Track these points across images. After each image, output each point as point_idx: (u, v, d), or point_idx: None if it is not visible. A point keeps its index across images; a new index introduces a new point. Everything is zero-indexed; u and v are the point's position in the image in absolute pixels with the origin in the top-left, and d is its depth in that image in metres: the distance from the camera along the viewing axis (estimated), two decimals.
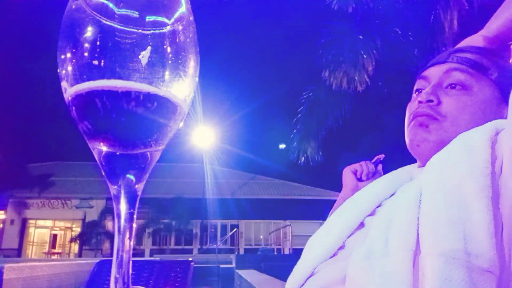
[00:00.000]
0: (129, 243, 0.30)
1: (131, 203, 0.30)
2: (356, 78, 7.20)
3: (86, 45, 0.28)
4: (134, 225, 0.31)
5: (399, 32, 7.20)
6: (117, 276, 0.29)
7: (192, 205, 20.38)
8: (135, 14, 0.28)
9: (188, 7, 0.31)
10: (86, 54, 0.28)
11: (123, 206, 0.30)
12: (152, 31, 0.29)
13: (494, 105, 0.65)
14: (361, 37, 7.20)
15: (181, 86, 0.30)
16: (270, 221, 22.94)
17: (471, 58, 0.68)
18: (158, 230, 20.93)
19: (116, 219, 0.30)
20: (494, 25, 0.70)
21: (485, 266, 0.41)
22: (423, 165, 0.67)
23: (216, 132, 22.39)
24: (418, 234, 0.47)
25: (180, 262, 1.45)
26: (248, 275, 6.52)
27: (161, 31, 0.29)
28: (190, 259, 1.48)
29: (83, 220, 22.24)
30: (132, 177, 0.30)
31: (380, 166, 1.02)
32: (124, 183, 0.30)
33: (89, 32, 0.28)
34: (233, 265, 11.72)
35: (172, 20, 0.30)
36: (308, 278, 0.59)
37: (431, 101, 0.67)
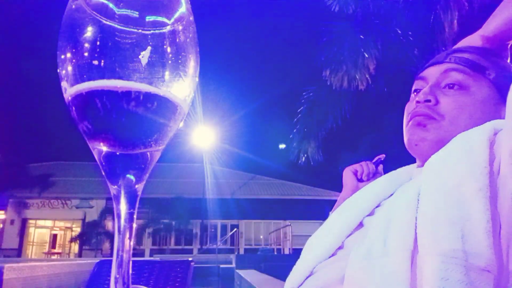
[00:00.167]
0: (129, 243, 0.30)
1: (131, 203, 0.31)
2: (357, 77, 7.21)
3: (86, 45, 0.28)
4: (134, 225, 0.31)
5: (399, 32, 7.20)
6: (117, 276, 0.29)
7: (192, 205, 20.38)
8: (135, 14, 0.28)
9: (188, 7, 0.31)
10: (86, 54, 0.28)
11: (123, 206, 0.30)
12: (152, 31, 0.29)
13: (492, 105, 0.66)
14: (362, 37, 7.21)
15: (181, 86, 0.30)
16: (270, 221, 22.94)
17: (469, 58, 0.69)
18: (158, 230, 20.93)
19: (116, 219, 0.30)
20: (492, 24, 0.70)
21: (483, 265, 0.41)
22: (422, 164, 0.68)
23: (216, 132, 22.41)
24: (416, 233, 0.47)
25: (180, 262, 1.45)
26: (248, 275, 6.52)
27: (161, 31, 0.29)
28: (190, 259, 1.48)
29: (83, 220, 22.24)
30: (132, 177, 0.30)
31: (380, 167, 1.02)
32: (124, 183, 0.30)
33: (89, 32, 0.28)
34: (233, 265, 11.72)
35: (172, 20, 0.30)
36: (307, 277, 0.59)
37: (429, 101, 0.67)
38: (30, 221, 22.84)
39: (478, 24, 0.75)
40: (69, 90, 0.29)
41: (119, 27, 0.28)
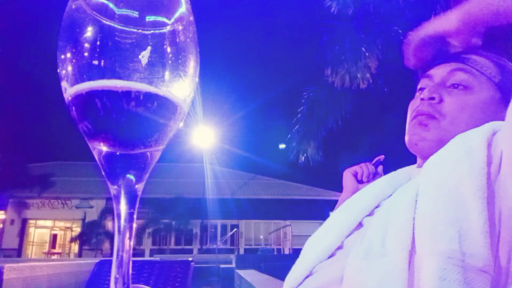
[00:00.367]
0: (129, 243, 0.30)
1: (131, 203, 0.31)
2: (358, 76, 7.21)
3: (86, 45, 0.28)
4: (134, 225, 0.31)
5: (400, 31, 7.20)
6: (117, 276, 0.29)
7: (192, 205, 20.38)
8: (135, 14, 0.28)
9: (188, 7, 0.31)
10: (86, 54, 0.28)
11: (123, 206, 0.30)
12: (152, 31, 0.29)
13: (494, 107, 0.66)
14: (362, 36, 7.21)
15: (181, 86, 0.30)
16: (270, 221, 22.94)
17: (476, 59, 0.69)
18: (158, 230, 20.92)
19: (116, 219, 0.30)
20: (472, 8, 0.67)
21: (480, 265, 0.41)
22: (422, 164, 0.68)
23: (216, 132, 22.41)
24: (413, 234, 0.47)
25: (180, 262, 1.45)
26: (248, 275, 6.52)
27: (161, 31, 0.29)
28: (190, 259, 1.48)
29: (83, 220, 22.23)
30: (132, 177, 0.30)
31: (380, 168, 1.02)
32: (124, 183, 0.30)
33: (89, 32, 0.28)
34: (233, 265, 11.72)
35: (172, 20, 0.30)
36: (306, 277, 0.59)
37: (433, 98, 0.67)
38: (30, 221, 22.84)
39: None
40: (69, 90, 0.29)
41: (119, 27, 0.28)
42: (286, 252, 16.16)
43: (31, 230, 23.14)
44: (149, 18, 0.29)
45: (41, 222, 23.45)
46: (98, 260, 1.45)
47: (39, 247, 23.22)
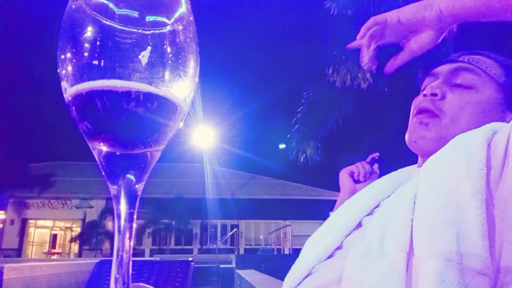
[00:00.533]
0: (129, 243, 0.30)
1: (131, 203, 0.31)
2: (359, 76, 7.22)
3: (86, 45, 0.28)
4: (134, 225, 0.31)
5: None
6: (117, 276, 0.29)
7: (192, 205, 20.38)
8: (135, 14, 0.28)
9: (188, 7, 0.31)
10: (86, 54, 0.28)
11: (123, 206, 0.30)
12: (152, 31, 0.29)
13: (497, 108, 0.66)
14: None
15: (181, 86, 0.30)
16: (270, 221, 22.94)
17: (481, 59, 0.69)
18: (158, 230, 20.92)
19: (116, 219, 0.30)
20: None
21: (478, 268, 0.41)
22: (423, 162, 0.68)
23: (216, 132, 22.42)
24: (412, 235, 0.47)
25: (180, 262, 1.45)
26: (248, 275, 6.52)
27: (161, 31, 0.29)
28: (190, 259, 1.48)
29: (83, 220, 22.24)
30: (132, 177, 0.30)
31: (376, 166, 1.01)
32: (124, 183, 0.30)
33: (89, 32, 0.28)
34: (233, 265, 11.72)
35: (172, 20, 0.30)
36: (306, 277, 0.59)
37: (435, 95, 0.68)
38: (30, 221, 22.84)
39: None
40: (69, 90, 0.29)
41: (119, 27, 0.28)
42: (286, 252, 16.16)
43: (31, 230, 23.14)
44: (149, 18, 0.29)
45: (41, 222, 23.45)
46: (98, 260, 1.45)
47: (39, 247, 23.22)
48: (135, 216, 0.31)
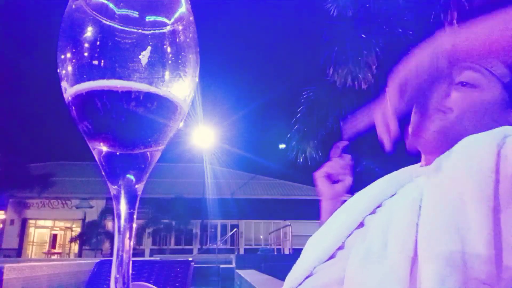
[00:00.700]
0: (129, 243, 0.30)
1: (131, 203, 0.30)
2: (360, 76, 7.22)
3: (86, 45, 0.28)
4: (134, 225, 0.31)
5: (400, 31, 7.21)
6: (117, 276, 0.29)
7: (192, 205, 20.38)
8: (135, 14, 0.28)
9: (188, 7, 0.31)
10: (86, 54, 0.28)
11: (123, 206, 0.30)
12: (152, 31, 0.29)
13: (501, 107, 0.66)
14: (363, 36, 7.21)
15: (181, 86, 0.30)
16: (270, 221, 22.94)
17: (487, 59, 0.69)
18: (158, 230, 20.92)
19: (116, 219, 0.30)
20: (467, 36, 0.60)
21: (482, 277, 0.41)
22: (426, 160, 0.68)
23: (216, 132, 22.41)
24: (416, 238, 0.47)
25: (180, 262, 1.45)
26: (248, 275, 6.52)
27: (161, 31, 0.29)
28: (190, 259, 1.48)
29: (83, 220, 22.24)
30: (132, 177, 0.30)
31: (348, 157, 0.91)
32: (124, 183, 0.30)
33: (89, 32, 0.28)
34: (233, 265, 11.72)
35: (172, 20, 0.30)
36: (307, 277, 0.59)
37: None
38: (30, 221, 22.84)
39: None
40: (69, 90, 0.29)
41: (119, 27, 0.28)
42: (286, 252, 16.16)
43: (31, 230, 23.14)
44: (149, 18, 0.29)
45: (41, 222, 23.45)
46: (98, 260, 1.45)
47: (39, 247, 23.22)
48: (135, 216, 0.31)
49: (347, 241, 0.61)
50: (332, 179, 0.91)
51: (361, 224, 0.63)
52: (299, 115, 8.87)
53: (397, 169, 0.76)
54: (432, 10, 6.64)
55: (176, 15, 0.30)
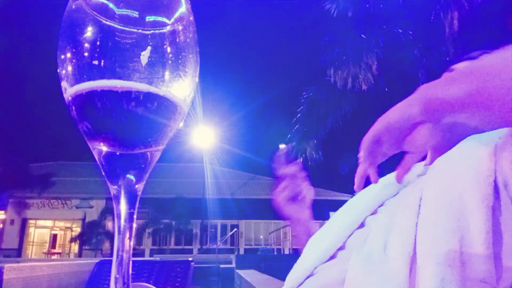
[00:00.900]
0: (129, 243, 0.30)
1: (131, 203, 0.30)
2: (360, 76, 7.22)
3: (86, 45, 0.28)
4: (134, 225, 0.31)
5: (400, 31, 7.21)
6: (117, 276, 0.29)
7: (192, 205, 20.38)
8: (135, 14, 0.28)
9: (188, 7, 0.31)
10: (86, 54, 0.28)
11: (123, 206, 0.30)
12: (152, 31, 0.29)
13: None
14: (363, 36, 7.21)
15: (181, 86, 0.30)
16: (270, 221, 22.93)
17: None
18: (158, 230, 20.93)
19: (116, 219, 0.30)
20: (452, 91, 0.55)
21: (481, 276, 0.41)
22: (432, 156, 0.68)
23: (216, 132, 22.42)
24: (415, 238, 0.47)
25: (180, 262, 1.45)
26: (248, 275, 6.52)
27: (161, 31, 0.29)
28: (190, 259, 1.48)
29: (83, 220, 22.24)
30: (132, 177, 0.30)
31: (296, 165, 0.84)
32: (124, 183, 0.30)
33: (89, 32, 0.28)
34: (233, 265, 11.72)
35: (172, 20, 0.30)
36: (307, 278, 0.59)
37: None
38: (30, 221, 22.84)
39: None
40: (69, 90, 0.29)
41: (119, 27, 0.28)
42: (286, 252, 16.16)
43: (31, 230, 23.14)
44: (149, 18, 0.29)
45: (41, 222, 23.45)
46: (98, 260, 1.45)
47: (39, 247, 23.22)
48: (135, 216, 0.31)
49: (348, 241, 0.61)
50: (296, 198, 0.84)
51: (362, 224, 0.63)
52: (299, 115, 8.87)
53: (396, 169, 0.76)
54: (432, 10, 6.64)
55: (176, 15, 0.30)
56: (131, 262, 0.30)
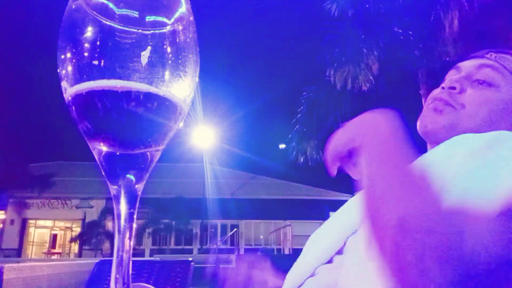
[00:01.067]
0: (129, 243, 0.30)
1: (131, 203, 0.30)
2: (360, 77, 7.22)
3: (86, 45, 0.28)
4: (134, 225, 0.31)
5: (400, 31, 7.21)
6: (117, 276, 0.29)
7: (192, 205, 20.37)
8: (135, 14, 0.28)
9: (188, 7, 0.31)
10: (86, 54, 0.28)
11: (123, 206, 0.30)
12: (152, 31, 0.28)
13: None
14: (363, 37, 7.21)
15: (181, 86, 0.30)
16: (270, 221, 22.93)
17: (507, 57, 0.69)
18: (158, 230, 20.92)
19: (116, 219, 0.30)
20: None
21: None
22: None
23: (216, 132, 22.41)
24: None
25: (180, 262, 1.45)
26: None
27: (161, 31, 0.29)
28: (190, 259, 1.48)
29: (83, 220, 22.23)
30: (132, 177, 0.30)
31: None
32: (124, 183, 0.30)
33: (89, 32, 0.28)
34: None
35: (172, 20, 0.30)
36: (307, 278, 0.59)
37: (454, 88, 0.68)
38: (30, 221, 22.83)
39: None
40: (69, 90, 0.29)
41: (119, 27, 0.28)
42: (286, 252, 16.15)
43: (31, 230, 23.13)
44: (149, 18, 0.29)
45: (41, 222, 23.44)
46: (98, 260, 1.45)
47: (39, 247, 23.22)
48: (135, 216, 0.31)
49: (349, 242, 0.61)
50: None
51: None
52: (299, 115, 8.87)
53: None
54: (432, 10, 6.64)
55: (176, 15, 0.30)
56: (131, 262, 0.30)
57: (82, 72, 0.28)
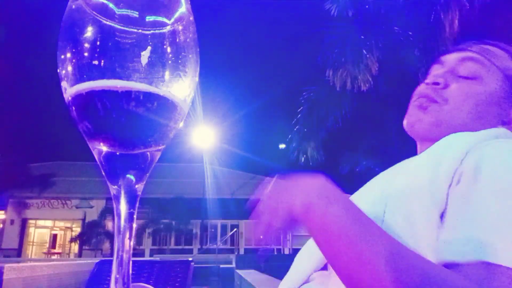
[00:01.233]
0: (129, 243, 0.30)
1: (131, 203, 0.30)
2: (359, 77, 7.22)
3: (86, 45, 0.28)
4: (134, 225, 0.31)
5: (400, 31, 7.21)
6: (117, 276, 0.29)
7: (192, 205, 20.38)
8: (135, 14, 0.28)
9: (188, 7, 0.31)
10: (86, 54, 0.28)
11: (123, 206, 0.30)
12: (152, 31, 0.28)
13: (501, 99, 0.65)
14: (363, 37, 7.22)
15: (181, 86, 0.30)
16: None
17: (489, 49, 0.68)
18: (158, 230, 20.93)
19: (116, 219, 0.30)
20: None
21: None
22: (420, 150, 0.68)
23: (216, 132, 22.42)
24: None
25: (180, 262, 1.45)
26: (248, 275, 6.52)
27: (161, 31, 0.29)
28: (190, 259, 1.48)
29: (83, 220, 22.24)
30: (132, 177, 0.30)
31: None
32: (124, 183, 0.30)
33: (89, 32, 0.28)
34: (233, 265, 11.72)
35: (172, 20, 0.30)
36: (302, 284, 0.59)
37: (437, 83, 0.67)
38: (30, 221, 22.84)
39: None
40: (69, 90, 0.29)
41: (119, 27, 0.28)
42: (286, 252, 16.15)
43: (31, 230, 23.14)
44: (149, 18, 0.29)
45: (41, 222, 23.45)
46: (98, 260, 1.45)
47: (39, 247, 23.23)
48: (135, 216, 0.31)
49: None
50: None
51: None
52: (299, 115, 8.87)
53: None
54: (432, 10, 6.64)
55: (176, 15, 0.30)
56: (131, 262, 0.30)
57: (82, 72, 0.28)
